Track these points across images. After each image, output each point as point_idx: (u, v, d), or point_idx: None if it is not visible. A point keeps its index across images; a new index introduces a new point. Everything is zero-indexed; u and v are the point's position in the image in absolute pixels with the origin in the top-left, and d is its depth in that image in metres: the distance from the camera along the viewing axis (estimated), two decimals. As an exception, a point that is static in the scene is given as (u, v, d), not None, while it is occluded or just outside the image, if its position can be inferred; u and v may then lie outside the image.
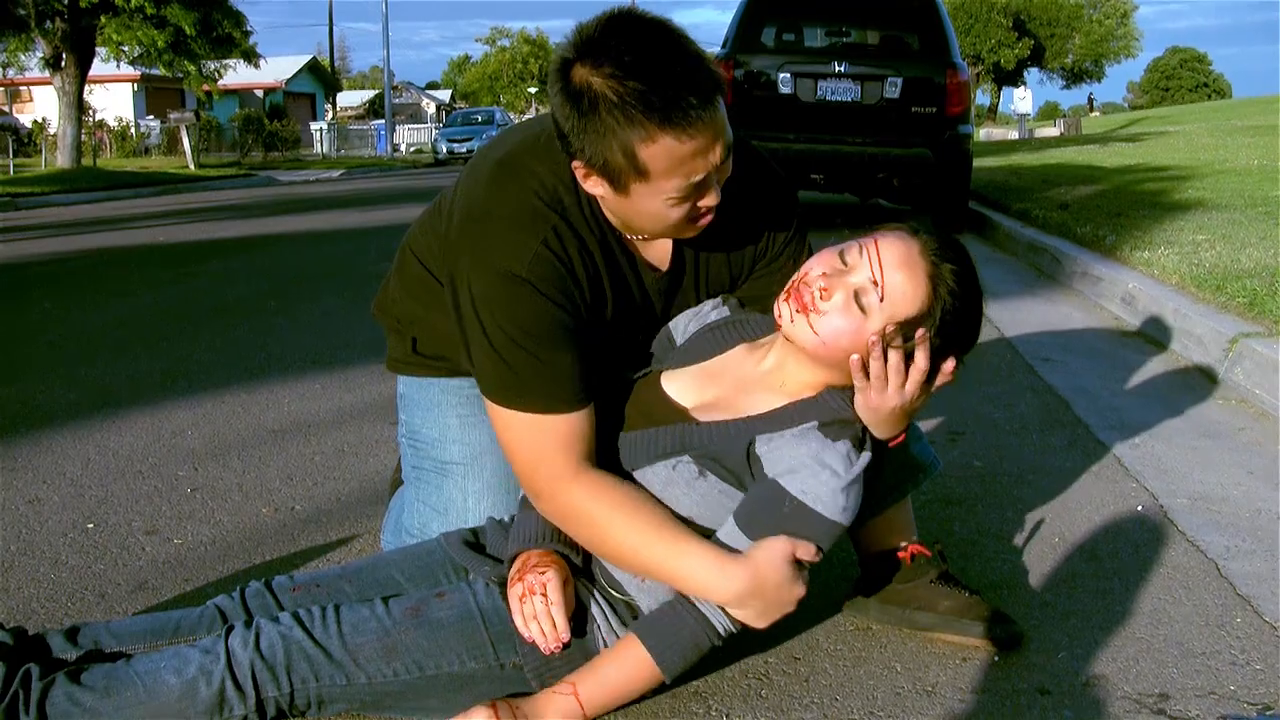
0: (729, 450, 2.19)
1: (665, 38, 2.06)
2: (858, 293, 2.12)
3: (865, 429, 2.20)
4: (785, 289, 2.20)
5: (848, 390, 2.21)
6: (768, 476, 2.15)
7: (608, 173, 2.10)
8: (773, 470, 2.15)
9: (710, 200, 2.19)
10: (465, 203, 2.33)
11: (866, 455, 2.16)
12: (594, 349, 2.28)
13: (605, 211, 2.26)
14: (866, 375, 2.15)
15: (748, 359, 2.33)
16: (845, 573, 2.77)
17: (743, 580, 2.11)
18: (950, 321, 2.15)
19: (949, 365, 2.19)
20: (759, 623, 2.17)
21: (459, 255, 2.28)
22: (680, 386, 2.33)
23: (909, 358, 2.15)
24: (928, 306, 2.13)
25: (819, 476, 2.11)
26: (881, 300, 2.11)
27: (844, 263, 2.16)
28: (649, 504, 2.21)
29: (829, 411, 2.18)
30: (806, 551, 2.13)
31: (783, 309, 2.18)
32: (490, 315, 2.21)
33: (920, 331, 2.13)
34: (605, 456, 2.29)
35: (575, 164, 2.15)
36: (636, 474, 2.27)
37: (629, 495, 2.21)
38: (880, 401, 2.16)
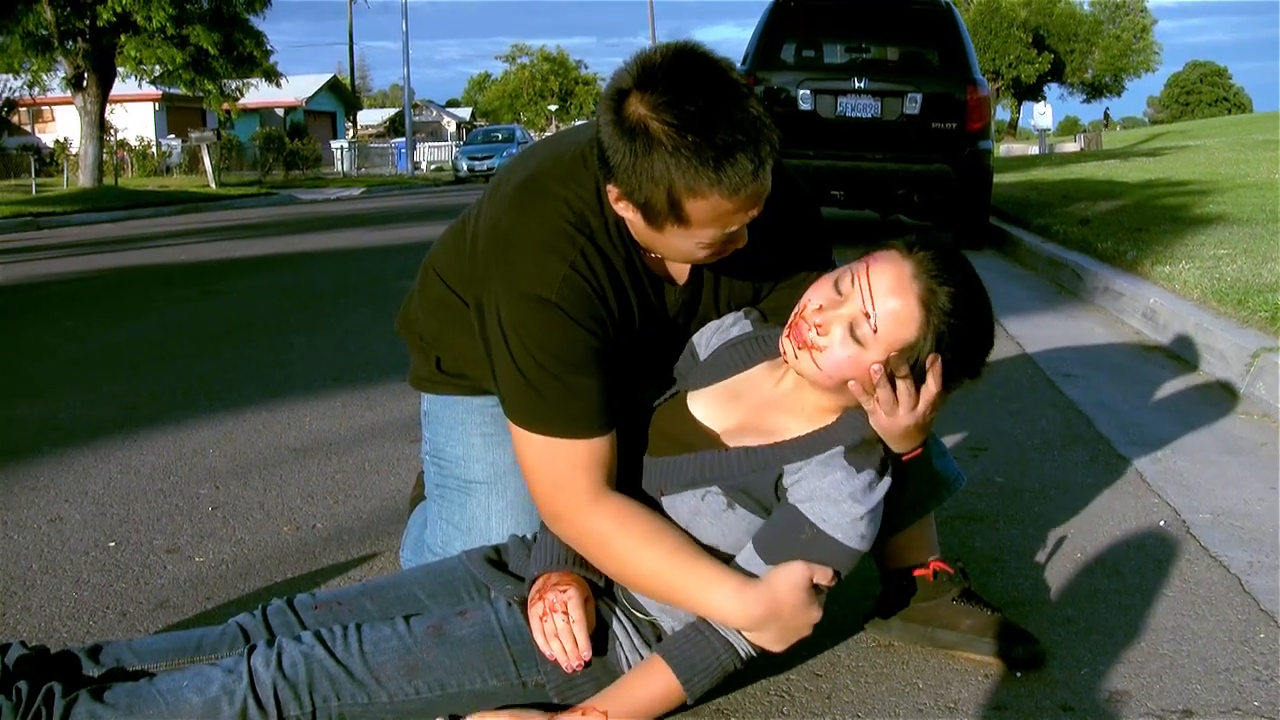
0: (758, 482, 2.19)
1: (730, 91, 2.02)
2: (852, 325, 2.11)
3: (886, 448, 2.20)
4: (788, 323, 2.20)
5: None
6: (790, 503, 2.15)
7: (646, 210, 2.09)
8: (795, 497, 2.15)
9: (739, 244, 2.19)
10: (490, 226, 2.32)
11: (887, 481, 2.16)
12: (619, 370, 2.27)
13: (629, 228, 2.26)
14: (873, 397, 2.15)
15: (768, 378, 2.32)
16: (867, 589, 2.76)
17: (760, 606, 2.11)
18: (952, 341, 2.12)
19: (963, 378, 2.19)
20: (776, 647, 2.17)
21: (486, 278, 2.27)
22: (706, 408, 2.33)
23: (920, 378, 2.15)
24: (923, 332, 2.10)
25: (840, 505, 2.11)
26: (875, 331, 2.10)
27: (839, 292, 2.15)
28: (667, 529, 2.21)
29: (854, 434, 2.18)
30: (824, 576, 2.13)
31: (786, 345, 2.18)
32: (518, 339, 2.20)
33: (931, 356, 2.12)
34: (626, 477, 2.29)
35: (611, 188, 2.13)
36: (664, 500, 2.27)
37: (648, 521, 2.21)
38: (892, 423, 2.16)
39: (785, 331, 2.19)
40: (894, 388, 2.14)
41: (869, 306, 2.10)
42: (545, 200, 2.25)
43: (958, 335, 2.12)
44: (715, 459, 2.24)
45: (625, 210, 2.14)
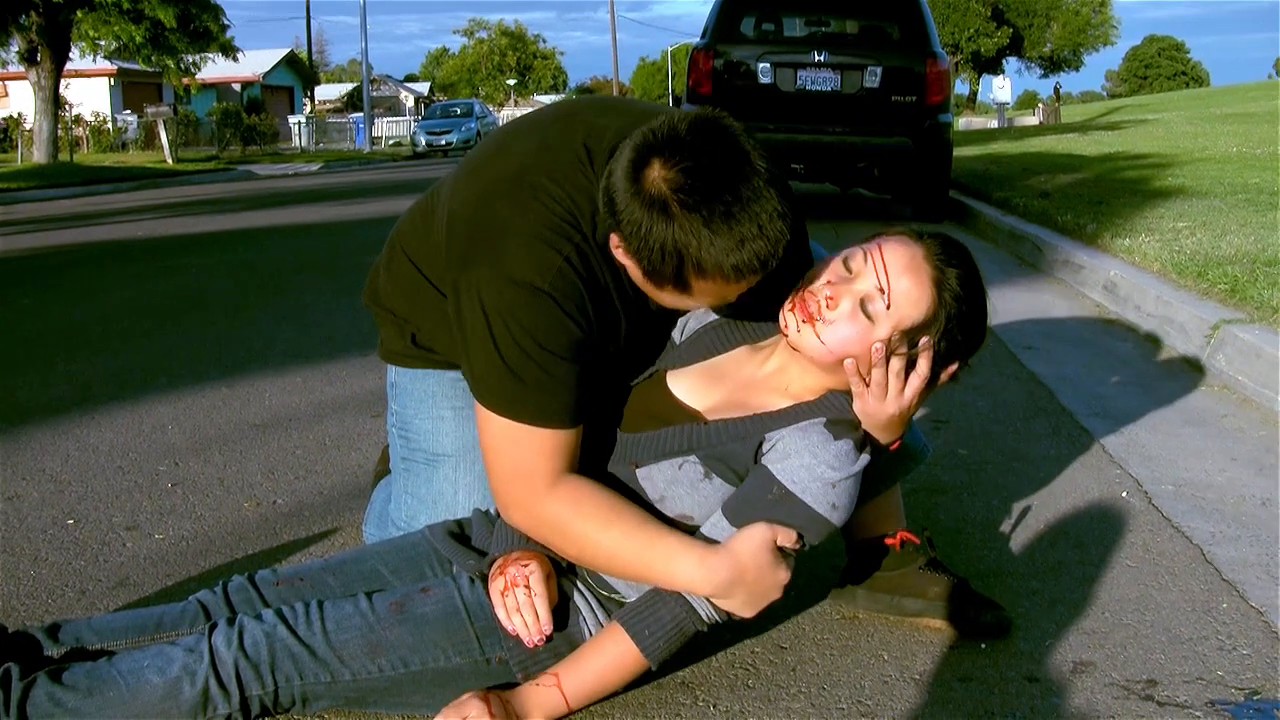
0: (737, 452, 2.18)
1: (753, 179, 1.96)
2: (864, 300, 2.12)
3: (866, 433, 2.20)
4: (790, 298, 2.19)
5: (850, 394, 2.20)
6: (761, 464, 2.15)
7: (650, 272, 2.05)
8: (768, 459, 2.15)
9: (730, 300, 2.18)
10: (475, 216, 2.27)
11: (865, 457, 2.15)
12: (599, 367, 2.26)
13: None
14: (865, 380, 2.15)
15: (750, 360, 2.32)
16: (833, 561, 2.77)
17: (724, 571, 2.11)
18: (955, 327, 2.15)
19: (950, 369, 2.20)
20: (746, 612, 2.16)
21: (471, 266, 2.21)
22: (686, 387, 2.32)
23: (911, 364, 2.15)
24: (933, 313, 2.13)
25: (812, 470, 2.10)
26: (888, 308, 2.11)
27: (848, 270, 2.16)
28: (625, 507, 2.20)
29: (835, 411, 2.18)
30: (787, 538, 2.12)
31: (788, 318, 2.17)
32: (503, 324, 2.16)
33: (924, 339, 2.13)
34: (595, 459, 2.28)
35: (614, 237, 2.09)
36: (639, 471, 2.25)
37: (604, 500, 2.20)
38: (878, 408, 2.17)
39: (787, 305, 2.18)
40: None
41: (883, 282, 2.11)
42: (539, 197, 2.21)
43: (960, 323, 2.15)
44: (694, 430, 2.23)
45: (625, 259, 2.10)
